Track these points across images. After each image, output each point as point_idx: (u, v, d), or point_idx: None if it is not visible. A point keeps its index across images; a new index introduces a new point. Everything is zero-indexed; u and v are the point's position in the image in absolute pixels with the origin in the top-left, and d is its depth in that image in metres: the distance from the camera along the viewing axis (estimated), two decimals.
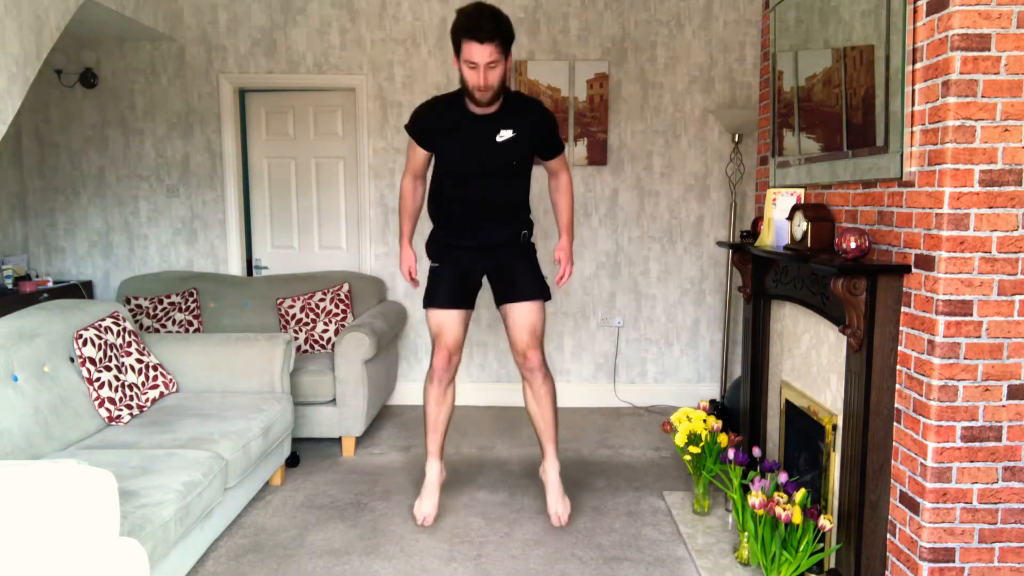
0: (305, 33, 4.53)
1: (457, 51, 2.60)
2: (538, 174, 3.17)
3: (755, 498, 2.41)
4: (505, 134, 2.76)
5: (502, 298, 2.97)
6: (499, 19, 2.55)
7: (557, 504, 3.00)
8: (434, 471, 3.05)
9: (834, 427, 2.50)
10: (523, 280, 2.94)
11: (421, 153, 2.90)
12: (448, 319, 2.94)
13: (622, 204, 4.61)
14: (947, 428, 2.07)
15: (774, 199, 2.91)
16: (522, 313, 2.92)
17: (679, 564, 2.71)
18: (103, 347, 2.99)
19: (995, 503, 2.11)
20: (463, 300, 2.96)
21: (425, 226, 3.08)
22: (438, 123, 2.80)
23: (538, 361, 2.95)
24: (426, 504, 3.00)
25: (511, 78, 4.44)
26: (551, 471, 3.05)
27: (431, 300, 2.96)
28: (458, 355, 3.00)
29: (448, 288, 2.94)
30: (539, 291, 2.95)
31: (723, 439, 2.96)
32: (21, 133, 4.66)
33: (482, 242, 2.92)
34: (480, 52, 2.53)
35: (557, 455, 3.07)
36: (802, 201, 2.79)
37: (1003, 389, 2.06)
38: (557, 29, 4.49)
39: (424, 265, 3.05)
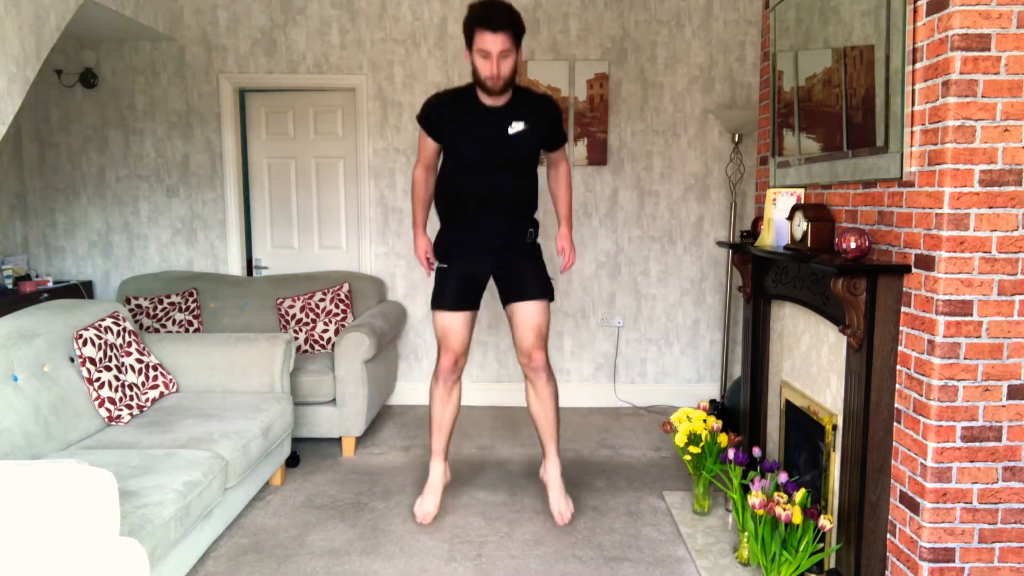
0: (305, 33, 4.53)
1: (469, 43, 2.65)
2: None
3: (755, 498, 2.41)
4: (517, 126, 2.79)
5: (508, 297, 2.97)
6: (511, 10, 2.63)
7: (560, 503, 3.00)
8: (438, 471, 3.06)
9: (834, 427, 2.50)
10: (530, 280, 2.95)
11: (432, 144, 2.90)
12: (455, 322, 2.95)
13: (622, 204, 4.61)
14: (947, 428, 2.07)
15: (774, 199, 2.91)
16: (528, 313, 2.92)
17: (679, 564, 2.71)
18: (103, 347, 2.99)
19: (995, 503, 2.11)
20: (469, 302, 2.97)
21: (431, 226, 3.09)
22: (450, 114, 2.81)
23: (542, 361, 2.95)
24: (427, 503, 3.00)
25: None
26: (552, 471, 3.05)
27: (439, 302, 2.96)
28: (464, 357, 3.01)
29: (455, 290, 2.95)
30: (545, 291, 2.96)
31: (723, 439, 2.96)
32: (21, 133, 4.66)
33: (489, 237, 2.93)
34: (493, 41, 2.58)
35: (559, 455, 3.07)
36: (802, 201, 2.79)
37: (1003, 389, 2.06)
38: (557, 29, 4.49)
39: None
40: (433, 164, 2.99)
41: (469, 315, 2.98)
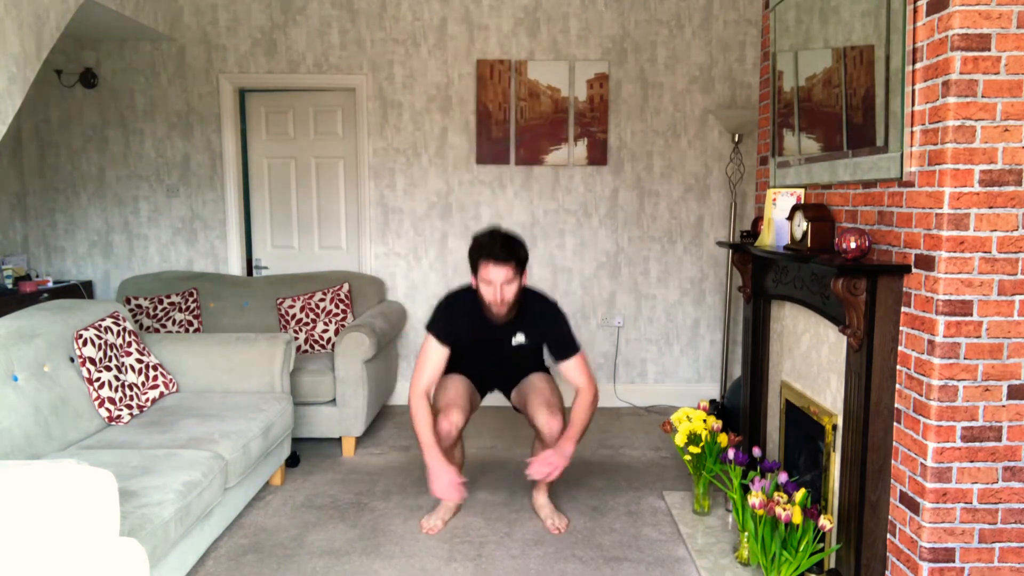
0: (305, 33, 4.53)
1: (474, 269, 2.78)
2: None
3: (755, 498, 2.41)
4: (519, 339, 2.92)
5: (515, 385, 3.10)
6: (512, 244, 2.76)
7: (552, 519, 3.01)
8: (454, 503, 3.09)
9: (834, 427, 2.50)
10: (532, 367, 3.09)
11: (442, 354, 2.88)
12: (463, 387, 3.02)
13: (622, 204, 4.61)
14: (947, 428, 2.07)
15: (774, 199, 2.91)
16: (532, 382, 3.01)
17: (679, 564, 2.71)
18: (103, 347, 2.99)
19: (995, 503, 2.11)
20: (478, 383, 3.12)
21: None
22: (459, 327, 2.91)
23: (559, 426, 2.87)
24: (435, 519, 3.00)
25: (512, 83, 4.45)
26: (539, 499, 3.07)
27: (450, 370, 3.03)
28: (462, 427, 2.94)
29: (466, 371, 3.09)
30: (540, 366, 3.07)
31: (723, 439, 2.96)
32: (21, 133, 4.66)
33: (493, 382, 3.16)
34: (497, 272, 2.71)
35: (549, 490, 3.10)
36: (802, 201, 2.79)
37: (1003, 389, 2.06)
38: (557, 29, 4.49)
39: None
40: (433, 384, 2.92)
41: (475, 389, 3.08)
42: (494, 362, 3.05)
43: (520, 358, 3.03)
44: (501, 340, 2.93)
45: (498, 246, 2.71)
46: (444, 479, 2.72)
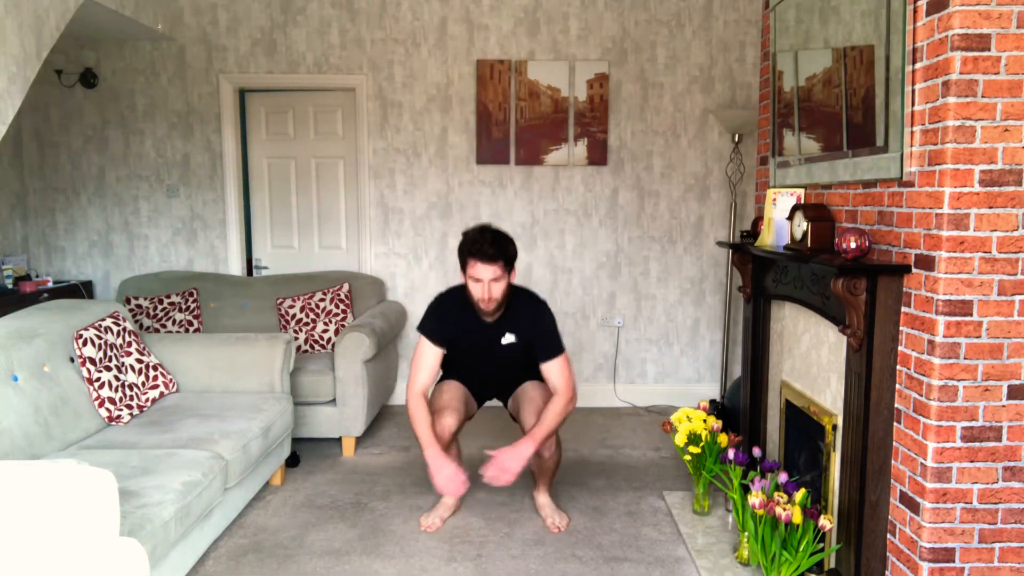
0: (305, 33, 4.53)
1: (463, 267, 2.79)
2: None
3: (755, 498, 2.41)
4: (508, 338, 2.92)
5: (511, 392, 3.10)
6: (501, 241, 2.76)
7: (553, 518, 3.01)
8: (452, 499, 3.10)
9: (834, 427, 2.50)
10: (528, 376, 3.07)
11: (434, 355, 2.91)
12: (458, 393, 3.03)
13: (622, 204, 4.61)
14: (947, 428, 2.07)
15: (774, 199, 2.91)
16: (527, 390, 3.01)
17: (679, 564, 2.71)
18: (103, 347, 2.99)
19: (995, 503, 2.11)
20: (475, 390, 3.13)
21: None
22: (450, 327, 2.93)
23: (552, 441, 2.95)
24: (434, 518, 3.01)
25: (512, 83, 4.44)
26: (541, 499, 3.08)
27: (446, 375, 3.07)
28: (457, 430, 2.95)
29: (462, 377, 3.10)
30: (536, 374, 3.03)
31: (723, 439, 2.96)
32: (21, 133, 4.66)
33: (488, 388, 3.16)
34: (484, 270, 2.73)
35: (550, 489, 3.11)
36: (802, 201, 2.79)
37: (1003, 389, 2.06)
38: (557, 29, 4.49)
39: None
40: (430, 385, 2.95)
41: (470, 395, 3.09)
42: (488, 364, 3.04)
43: (512, 360, 3.01)
44: (492, 340, 2.93)
45: (486, 244, 2.71)
46: (444, 472, 2.74)
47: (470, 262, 2.74)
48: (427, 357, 2.91)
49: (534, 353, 2.94)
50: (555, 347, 2.91)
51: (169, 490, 2.27)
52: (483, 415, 4.46)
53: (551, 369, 2.90)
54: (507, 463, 2.73)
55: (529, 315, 2.94)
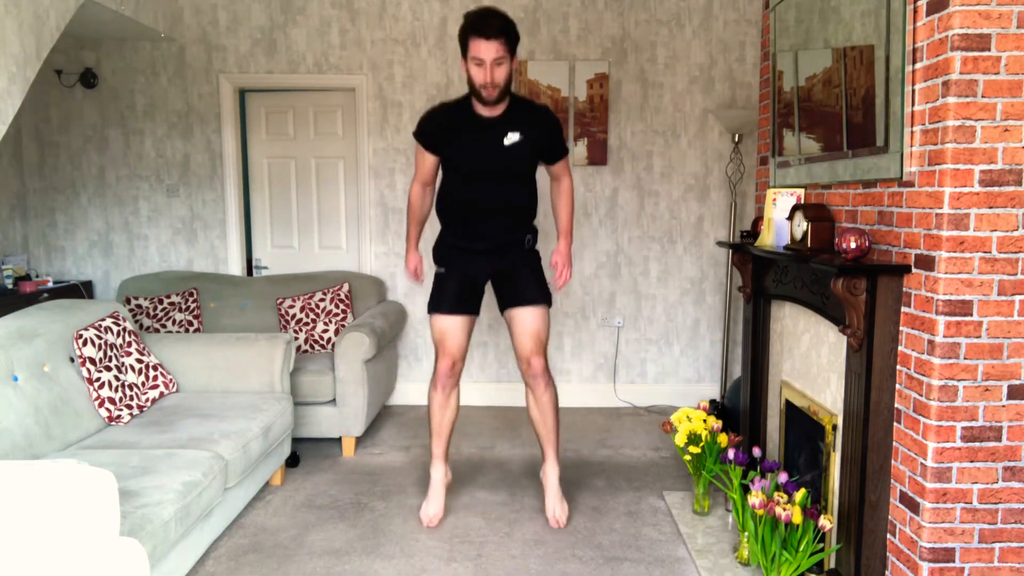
0: (305, 33, 4.53)
1: (464, 51, 2.67)
2: (541, 177, 3.16)
3: (755, 498, 2.41)
4: (512, 137, 2.80)
5: (507, 303, 2.97)
6: (505, 19, 2.65)
7: (555, 507, 3.00)
8: (439, 473, 3.07)
9: (834, 427, 2.50)
10: (528, 285, 2.95)
11: (430, 159, 2.91)
12: (452, 325, 2.94)
13: (622, 204, 4.61)
14: (947, 428, 2.07)
15: (774, 199, 2.91)
16: (527, 319, 2.92)
17: (679, 564, 2.71)
18: (103, 347, 2.99)
19: (995, 503, 2.11)
20: (468, 305, 2.97)
21: (431, 229, 3.11)
22: (446, 127, 2.84)
23: (541, 368, 2.95)
24: (432, 506, 3.01)
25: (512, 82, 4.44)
26: (551, 474, 3.05)
27: (436, 305, 2.96)
28: (461, 362, 3.00)
29: (453, 293, 2.95)
30: (543, 296, 2.96)
31: (723, 439, 2.96)
32: (21, 133, 4.66)
33: (488, 243, 2.93)
34: (487, 48, 2.60)
35: (558, 459, 3.08)
36: (802, 201, 2.79)
37: (1003, 389, 2.06)
38: (557, 29, 4.49)
39: (429, 265, 3.05)
40: (431, 179, 2.99)
41: (467, 319, 2.98)
42: (487, 184, 2.86)
43: (514, 175, 2.88)
44: (494, 141, 2.79)
45: (489, 19, 2.60)
46: (411, 260, 3.13)
47: (471, 41, 2.61)
48: (424, 161, 2.93)
49: (546, 155, 2.92)
50: (564, 148, 2.98)
51: (169, 490, 2.27)
52: (483, 415, 4.47)
53: (561, 165, 3.00)
54: (564, 267, 3.01)
55: (536, 114, 2.86)
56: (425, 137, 2.87)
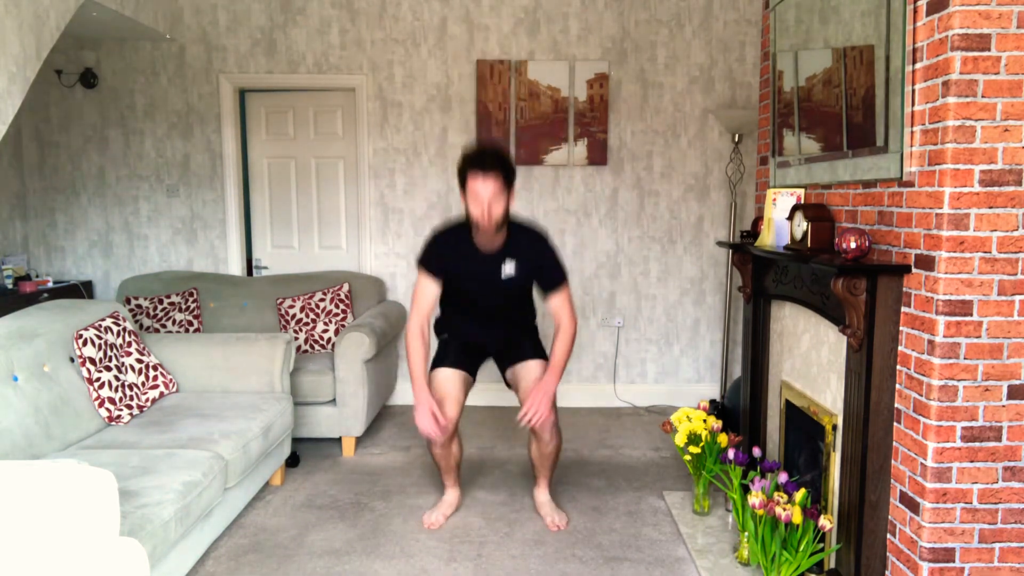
0: (305, 33, 4.53)
1: (463, 186, 2.74)
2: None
3: (755, 498, 2.41)
4: (508, 270, 2.88)
5: (511, 361, 3.05)
6: (501, 156, 2.74)
7: (552, 515, 3.02)
8: (453, 495, 3.13)
9: (834, 427, 2.50)
10: (530, 346, 3.05)
11: (433, 289, 2.91)
12: (453, 381, 2.97)
13: (622, 204, 4.62)
14: (947, 428, 2.07)
15: (774, 199, 2.91)
16: (532, 369, 2.97)
17: (679, 564, 2.71)
18: (103, 347, 2.99)
19: (995, 503, 2.11)
20: (469, 364, 3.04)
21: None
22: (449, 259, 2.90)
23: (551, 421, 2.90)
24: (436, 515, 3.03)
25: (512, 83, 4.44)
26: (542, 497, 3.09)
27: (439, 361, 3.02)
28: (455, 423, 2.96)
29: (456, 351, 3.03)
30: (542, 354, 3.04)
31: (723, 439, 2.96)
32: (21, 133, 4.66)
33: (490, 338, 3.07)
34: (484, 185, 2.66)
35: (550, 486, 3.12)
36: (802, 201, 2.79)
37: (1003, 389, 2.06)
38: (557, 29, 4.49)
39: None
40: (430, 314, 2.96)
41: (467, 377, 3.03)
42: (488, 299, 2.96)
43: (512, 297, 2.97)
44: (491, 271, 2.87)
45: (486, 157, 2.69)
46: (424, 409, 2.82)
47: (470, 177, 2.69)
48: (425, 292, 2.90)
49: (540, 286, 2.93)
50: (560, 277, 2.91)
51: (169, 490, 2.27)
52: (483, 415, 4.47)
53: (556, 299, 2.91)
54: (539, 401, 2.80)
55: (530, 245, 2.90)
56: (431, 267, 2.90)
